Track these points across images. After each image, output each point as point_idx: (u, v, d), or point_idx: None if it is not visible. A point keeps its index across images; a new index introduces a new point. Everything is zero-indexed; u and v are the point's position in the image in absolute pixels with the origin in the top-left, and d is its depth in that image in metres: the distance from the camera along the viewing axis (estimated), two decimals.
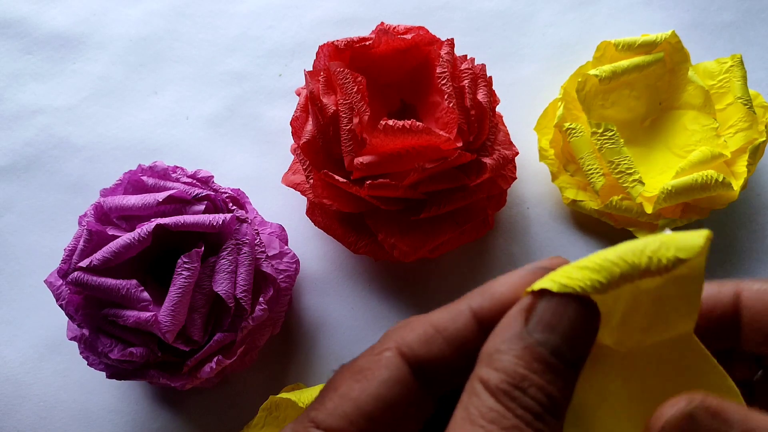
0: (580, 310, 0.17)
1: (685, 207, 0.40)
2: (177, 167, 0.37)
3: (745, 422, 0.15)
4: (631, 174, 0.38)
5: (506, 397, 0.15)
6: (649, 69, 0.41)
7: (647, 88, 0.42)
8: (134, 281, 0.33)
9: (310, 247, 0.42)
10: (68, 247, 0.35)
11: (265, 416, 0.35)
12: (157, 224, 0.33)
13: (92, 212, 0.35)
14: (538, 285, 0.17)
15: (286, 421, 0.35)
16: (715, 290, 0.18)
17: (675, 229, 0.41)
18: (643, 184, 0.38)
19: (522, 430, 0.15)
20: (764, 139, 0.38)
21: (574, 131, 0.39)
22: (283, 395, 0.35)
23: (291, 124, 0.38)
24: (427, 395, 0.18)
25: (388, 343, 0.18)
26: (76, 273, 0.33)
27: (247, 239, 0.35)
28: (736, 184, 0.38)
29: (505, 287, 0.18)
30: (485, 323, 0.18)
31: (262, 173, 0.44)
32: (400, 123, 0.33)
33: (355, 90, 0.35)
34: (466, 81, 0.36)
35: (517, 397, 0.15)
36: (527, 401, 0.15)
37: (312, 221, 0.40)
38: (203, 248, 0.34)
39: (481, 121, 0.36)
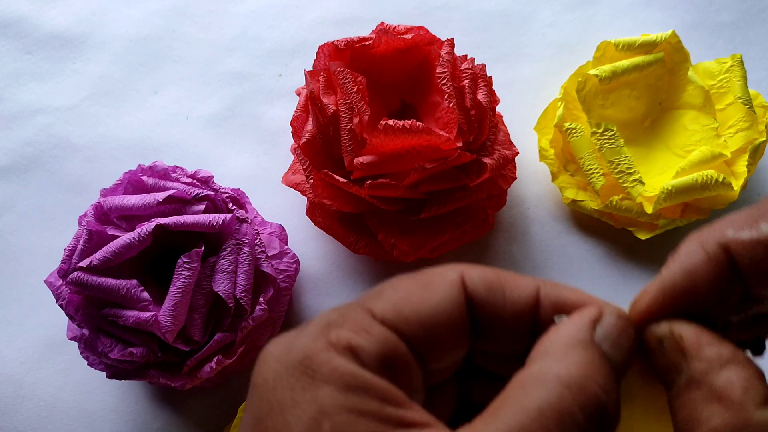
0: (636, 337, 0.18)
1: (685, 207, 0.40)
2: (177, 167, 0.37)
3: (702, 373, 0.17)
4: (631, 174, 0.38)
5: (574, 390, 0.16)
6: (649, 69, 0.41)
7: (647, 88, 0.42)
8: (134, 281, 0.33)
9: (310, 247, 0.42)
10: (68, 247, 0.35)
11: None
12: (157, 224, 0.33)
13: (92, 212, 0.35)
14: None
15: None
16: (703, 257, 0.18)
17: (674, 229, 0.40)
18: (643, 184, 0.38)
19: (577, 418, 0.15)
20: (764, 139, 0.38)
21: (574, 131, 0.39)
22: None
23: (291, 124, 0.38)
24: (468, 339, 0.19)
25: (454, 269, 0.19)
26: (76, 273, 0.33)
27: (247, 239, 0.35)
28: (736, 184, 0.38)
29: (575, 297, 0.19)
30: (542, 310, 0.18)
31: (262, 173, 0.44)
32: (400, 123, 0.33)
33: (355, 90, 0.35)
34: (466, 81, 0.36)
35: (585, 387, 0.16)
36: (592, 396, 0.16)
37: (312, 221, 0.40)
38: (203, 248, 0.34)
39: (481, 121, 0.36)
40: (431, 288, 0.18)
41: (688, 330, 0.17)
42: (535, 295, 0.18)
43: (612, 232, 0.41)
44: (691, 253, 0.18)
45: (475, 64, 0.38)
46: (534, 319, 0.18)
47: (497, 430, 0.15)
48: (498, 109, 0.42)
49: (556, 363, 0.16)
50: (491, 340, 0.19)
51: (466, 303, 0.18)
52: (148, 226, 0.33)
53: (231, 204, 0.36)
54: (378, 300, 0.18)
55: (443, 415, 0.20)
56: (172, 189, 0.35)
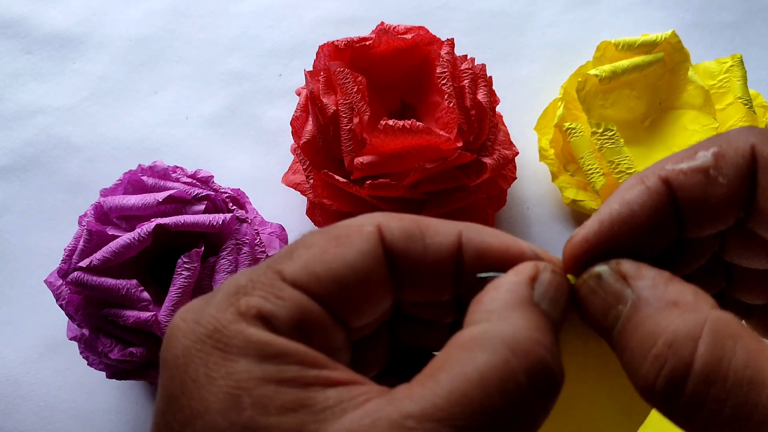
0: (569, 294, 0.18)
1: None
2: (177, 167, 0.37)
3: (648, 289, 0.16)
4: (631, 174, 0.38)
5: (519, 355, 0.15)
6: (649, 69, 0.41)
7: (647, 88, 0.42)
8: (134, 281, 0.33)
9: None
10: (68, 247, 0.35)
11: None
12: (157, 224, 0.33)
13: (92, 212, 0.35)
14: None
15: None
16: (642, 189, 0.17)
17: None
18: None
19: (521, 383, 0.14)
20: None
21: (574, 131, 0.39)
22: None
23: (291, 124, 0.38)
24: (391, 292, 0.18)
25: (370, 221, 0.18)
26: (76, 273, 0.33)
27: (247, 239, 0.35)
28: None
29: (499, 243, 0.18)
30: (466, 256, 0.18)
31: (262, 173, 0.44)
32: (400, 123, 0.33)
33: (355, 90, 0.35)
34: (466, 81, 0.36)
35: (532, 350, 0.15)
36: (539, 360, 0.15)
37: (312, 221, 0.40)
38: (203, 248, 0.34)
39: (481, 121, 0.36)
40: (345, 243, 0.17)
41: (624, 261, 0.17)
42: (457, 241, 0.18)
43: None
44: (630, 187, 0.18)
45: (475, 64, 0.38)
46: (457, 266, 0.18)
47: (436, 396, 0.14)
48: (498, 109, 0.42)
49: (499, 324, 0.15)
50: (414, 290, 0.18)
51: (384, 255, 0.17)
52: (148, 226, 0.33)
53: (231, 204, 0.36)
54: (289, 260, 0.17)
55: (377, 364, 0.19)
56: (172, 189, 0.35)
